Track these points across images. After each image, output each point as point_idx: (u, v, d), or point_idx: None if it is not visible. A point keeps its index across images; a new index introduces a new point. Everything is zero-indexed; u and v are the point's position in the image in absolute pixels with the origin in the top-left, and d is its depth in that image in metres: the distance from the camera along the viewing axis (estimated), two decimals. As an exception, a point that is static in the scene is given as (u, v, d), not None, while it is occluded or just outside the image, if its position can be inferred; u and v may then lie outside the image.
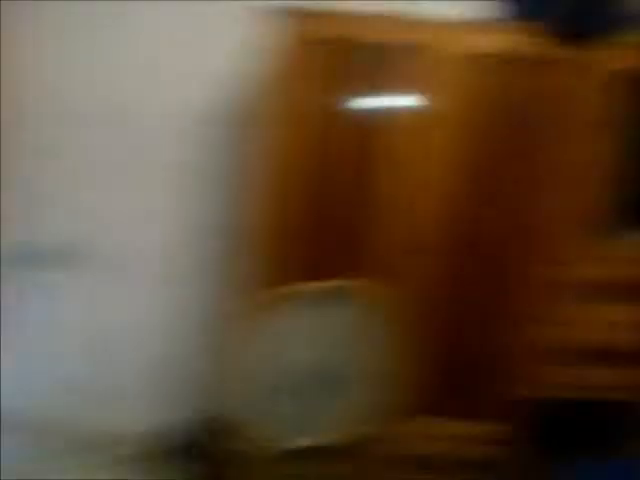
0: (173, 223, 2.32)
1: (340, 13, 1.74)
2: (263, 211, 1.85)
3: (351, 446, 1.88)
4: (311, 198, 1.87)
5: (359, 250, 1.90)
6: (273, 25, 1.72)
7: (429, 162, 1.86)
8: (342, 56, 1.77)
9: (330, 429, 1.78)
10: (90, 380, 2.32)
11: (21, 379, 2.31)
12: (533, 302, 1.95)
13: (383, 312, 1.78)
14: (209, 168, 2.29)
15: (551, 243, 1.91)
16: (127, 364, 2.36)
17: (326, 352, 1.73)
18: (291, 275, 1.82)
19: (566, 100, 1.83)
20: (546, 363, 1.99)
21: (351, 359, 1.76)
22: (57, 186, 2.27)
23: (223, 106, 2.22)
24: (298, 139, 1.81)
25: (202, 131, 2.25)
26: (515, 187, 1.89)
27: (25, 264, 2.22)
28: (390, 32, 1.75)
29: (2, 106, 2.14)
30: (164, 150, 2.26)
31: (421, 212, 1.90)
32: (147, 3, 2.17)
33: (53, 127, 2.23)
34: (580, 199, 1.88)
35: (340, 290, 1.74)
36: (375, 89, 1.80)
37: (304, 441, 1.77)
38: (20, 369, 2.32)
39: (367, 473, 2.00)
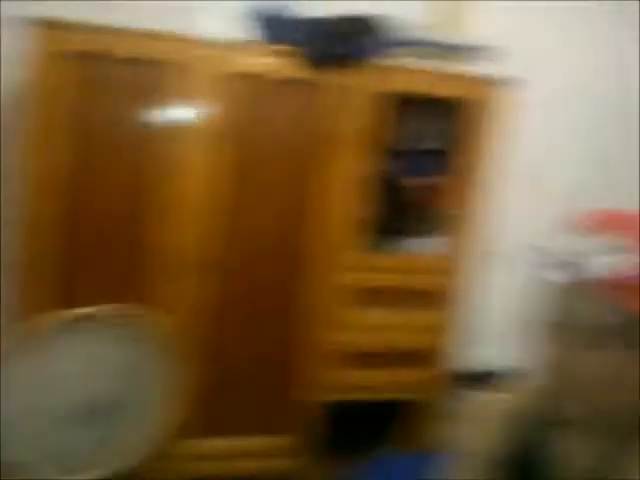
0: None
1: (96, 26, 1.63)
2: (24, 232, 1.70)
3: (134, 474, 1.76)
4: (70, 217, 1.72)
5: (129, 272, 1.79)
6: (28, 36, 1.59)
7: (199, 176, 1.77)
8: (98, 69, 1.66)
9: (109, 459, 1.65)
10: None
11: None
12: (315, 308, 1.95)
13: (156, 335, 1.68)
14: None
15: (329, 252, 1.92)
16: None
17: (99, 380, 1.63)
18: (71, 300, 1.68)
19: (329, 120, 1.84)
20: (332, 367, 2.00)
21: (125, 386, 1.65)
22: None
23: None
24: (53, 153, 1.67)
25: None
26: (289, 200, 1.88)
27: None
28: (149, 47, 1.67)
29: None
30: None
31: (196, 226, 1.80)
32: None
33: None
34: (349, 213, 1.90)
35: (106, 315, 1.62)
36: (136, 102, 1.71)
37: (85, 474, 1.62)
38: None
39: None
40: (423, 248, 2.02)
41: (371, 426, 2.21)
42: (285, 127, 1.84)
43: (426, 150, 2.00)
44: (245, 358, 1.95)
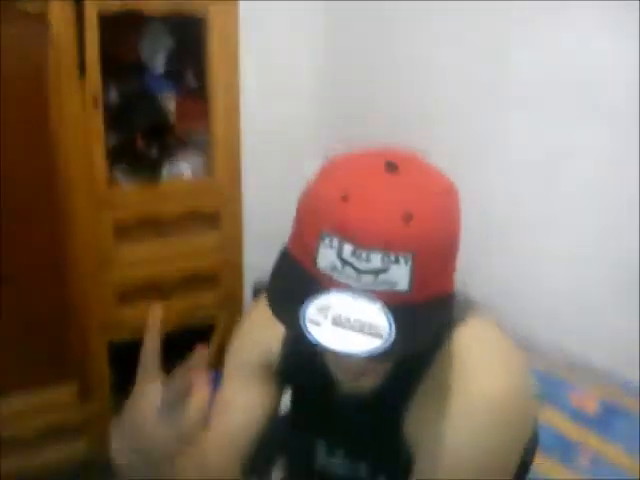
0: None
1: None
2: None
3: None
4: None
5: None
6: None
7: None
8: None
9: None
10: None
11: None
12: (83, 249, 1.89)
13: None
14: None
15: (83, 188, 1.84)
16: None
17: None
18: None
19: (52, 49, 1.70)
20: (111, 306, 1.97)
21: None
22: None
23: None
24: None
25: None
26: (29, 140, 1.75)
27: None
28: None
29: None
30: None
31: None
32: None
33: None
34: (94, 144, 1.82)
35: None
36: None
37: None
38: None
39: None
40: (176, 172, 1.99)
41: (165, 358, 2.22)
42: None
43: (164, 71, 1.95)
44: (14, 313, 1.85)
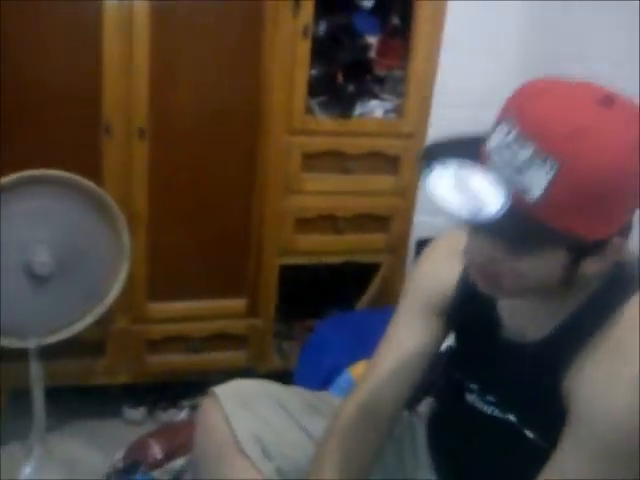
0: None
1: None
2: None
3: (100, 338, 1.89)
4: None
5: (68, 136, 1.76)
6: None
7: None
8: None
9: (57, 322, 1.71)
10: None
11: None
12: (270, 172, 1.95)
13: (101, 201, 1.69)
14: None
15: (280, 115, 1.90)
16: None
17: (57, 239, 1.65)
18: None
19: None
20: (288, 231, 2.03)
21: (72, 250, 1.68)
22: None
23: None
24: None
25: None
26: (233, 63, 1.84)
27: None
28: None
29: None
30: None
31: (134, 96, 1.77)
32: None
33: None
34: (296, 74, 1.87)
35: (53, 178, 1.59)
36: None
37: (47, 338, 1.70)
38: None
39: (125, 361, 2.01)
40: (369, 111, 2.01)
41: (325, 289, 2.29)
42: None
43: (365, 8, 1.96)
44: (201, 225, 1.98)
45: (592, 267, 0.85)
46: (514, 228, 0.79)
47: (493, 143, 0.81)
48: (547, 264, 0.84)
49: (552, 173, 0.75)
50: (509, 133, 0.79)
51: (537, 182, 0.76)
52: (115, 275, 1.79)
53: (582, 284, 0.90)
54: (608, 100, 0.79)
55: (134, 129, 1.81)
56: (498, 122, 0.83)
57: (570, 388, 0.89)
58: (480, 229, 0.86)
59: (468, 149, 0.84)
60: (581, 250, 0.83)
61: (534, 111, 0.79)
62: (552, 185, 0.75)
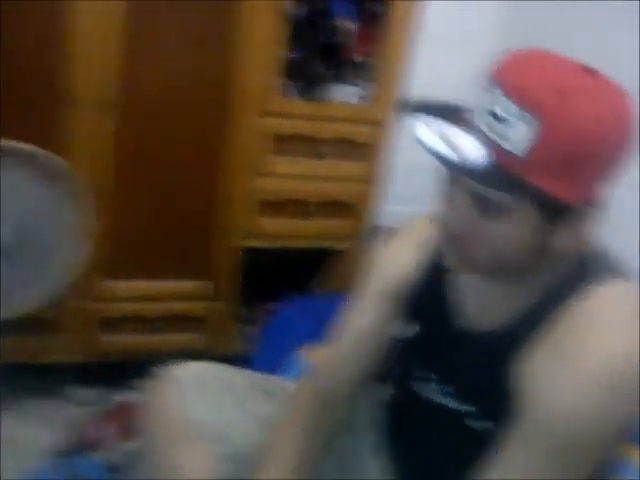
0: None
1: None
2: None
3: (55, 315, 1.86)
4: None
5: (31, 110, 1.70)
6: None
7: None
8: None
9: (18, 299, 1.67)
10: None
11: None
12: (236, 154, 1.91)
13: (64, 177, 1.64)
14: None
15: (249, 94, 1.86)
16: None
17: (15, 213, 1.60)
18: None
19: None
20: (253, 214, 2.01)
21: (32, 226, 1.63)
22: None
23: None
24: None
25: None
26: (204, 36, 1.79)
27: None
28: None
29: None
30: None
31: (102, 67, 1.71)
32: None
33: None
34: (269, 54, 1.83)
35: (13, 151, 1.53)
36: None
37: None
38: None
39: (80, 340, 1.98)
40: (344, 96, 1.98)
41: (288, 273, 2.27)
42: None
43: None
44: (165, 203, 1.94)
45: (561, 241, 0.86)
46: (491, 182, 0.80)
47: (475, 105, 0.83)
48: (519, 228, 0.84)
49: (533, 129, 0.77)
50: (492, 94, 0.81)
51: (518, 138, 0.78)
52: (76, 252, 1.74)
53: (546, 268, 0.90)
54: (591, 69, 0.82)
55: (101, 102, 1.75)
56: (480, 88, 0.84)
57: (521, 381, 0.89)
58: (457, 185, 0.86)
59: (450, 110, 0.85)
60: (552, 213, 0.83)
61: (517, 73, 0.81)
62: (532, 142, 0.77)
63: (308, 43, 1.92)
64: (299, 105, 1.94)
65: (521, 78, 0.80)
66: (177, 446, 1.13)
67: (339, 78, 1.99)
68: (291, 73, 1.91)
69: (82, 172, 1.72)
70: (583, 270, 0.90)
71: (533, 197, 0.81)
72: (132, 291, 2.00)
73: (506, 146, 0.78)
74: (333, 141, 2.00)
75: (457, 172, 0.84)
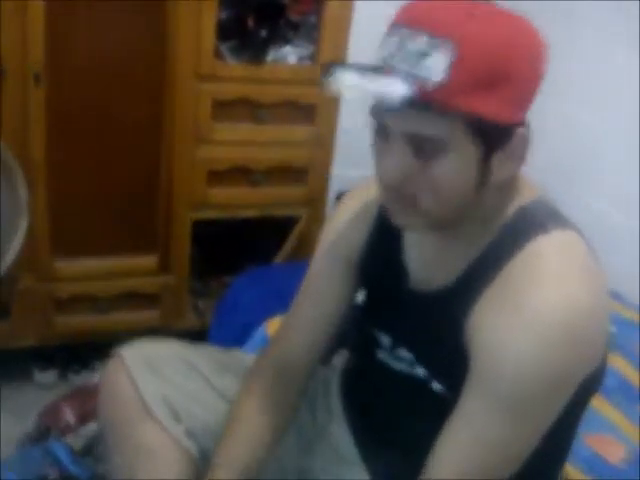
0: None
1: None
2: None
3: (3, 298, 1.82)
4: None
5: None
6: None
7: None
8: None
9: None
10: None
11: None
12: (179, 121, 1.87)
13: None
14: None
15: (188, 57, 1.80)
16: None
17: None
18: None
19: None
20: (200, 184, 1.96)
21: None
22: None
23: None
24: None
25: None
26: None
27: None
28: None
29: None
30: None
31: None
32: None
33: None
34: (205, 16, 1.77)
35: None
36: None
37: None
38: None
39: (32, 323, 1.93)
40: (282, 57, 1.93)
41: (247, 244, 2.24)
42: None
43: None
44: (106, 176, 1.88)
45: (502, 170, 0.86)
46: (420, 120, 0.80)
47: (386, 51, 0.83)
48: (458, 162, 0.83)
49: (448, 55, 0.78)
50: (400, 35, 0.82)
51: (435, 67, 0.78)
52: (13, 231, 1.67)
53: (491, 217, 0.90)
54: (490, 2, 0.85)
55: (29, 72, 1.68)
56: (388, 36, 0.84)
57: (471, 336, 0.88)
58: (389, 134, 0.85)
59: (370, 67, 0.84)
60: (485, 138, 0.82)
61: (422, 9, 0.83)
62: (450, 67, 0.78)
63: (242, 2, 1.86)
64: (234, 68, 1.88)
65: (427, 12, 0.82)
66: (134, 425, 1.11)
67: (277, 38, 1.93)
68: (226, 34, 1.85)
69: (15, 146, 1.65)
70: (527, 220, 0.89)
71: (464, 122, 0.80)
72: (82, 270, 1.95)
73: (427, 75, 0.78)
74: (275, 104, 1.95)
75: (387, 111, 0.83)
